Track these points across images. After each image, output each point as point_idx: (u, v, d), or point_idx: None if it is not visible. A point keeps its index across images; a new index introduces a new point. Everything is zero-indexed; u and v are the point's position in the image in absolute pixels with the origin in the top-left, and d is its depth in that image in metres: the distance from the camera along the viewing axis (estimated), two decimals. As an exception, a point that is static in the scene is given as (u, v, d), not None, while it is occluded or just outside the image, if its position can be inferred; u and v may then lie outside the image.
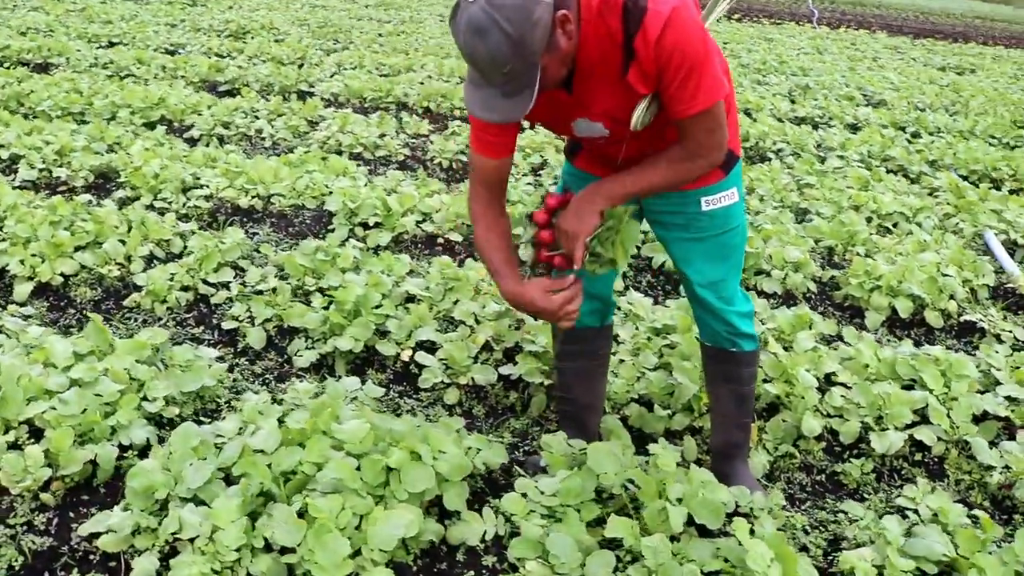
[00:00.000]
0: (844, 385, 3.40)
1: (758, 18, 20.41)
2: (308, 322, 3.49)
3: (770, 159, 7.06)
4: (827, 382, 3.46)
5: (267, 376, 3.36)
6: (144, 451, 2.72)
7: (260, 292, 3.78)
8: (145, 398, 2.86)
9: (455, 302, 3.78)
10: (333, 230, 4.66)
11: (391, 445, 2.53)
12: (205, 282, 3.90)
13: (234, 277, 3.94)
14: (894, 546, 2.43)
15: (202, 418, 3.00)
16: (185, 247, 4.20)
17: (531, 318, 2.73)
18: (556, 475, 2.56)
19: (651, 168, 2.24)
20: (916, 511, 2.82)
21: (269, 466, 2.40)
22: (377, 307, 3.59)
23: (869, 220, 5.54)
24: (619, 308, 3.86)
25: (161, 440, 2.81)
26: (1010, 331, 4.20)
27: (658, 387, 3.27)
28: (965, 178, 6.95)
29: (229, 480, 2.46)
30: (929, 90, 10.93)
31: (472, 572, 2.37)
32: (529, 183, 5.63)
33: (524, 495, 2.50)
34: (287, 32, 10.94)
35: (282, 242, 4.54)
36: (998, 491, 3.08)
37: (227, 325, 3.60)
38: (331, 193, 4.92)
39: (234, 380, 3.28)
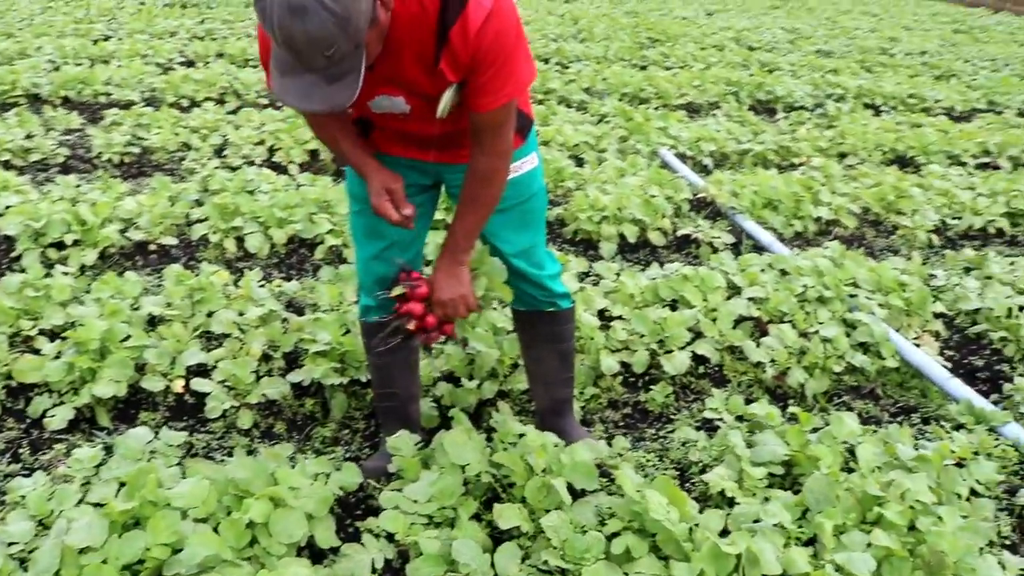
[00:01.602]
0: (620, 318, 3.55)
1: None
2: (49, 374, 2.96)
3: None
4: (601, 318, 3.59)
5: (17, 451, 2.81)
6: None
7: (-33, 350, 3.13)
8: None
9: (209, 314, 3.40)
10: (19, 257, 3.97)
11: (238, 497, 2.23)
12: None
13: (-77, 339, 3.22)
14: (744, 458, 2.59)
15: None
16: None
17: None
18: (419, 478, 2.42)
19: (467, 214, 2.24)
20: (722, 420, 3.04)
21: (105, 563, 2.02)
22: (125, 339, 3.13)
23: (559, 152, 5.79)
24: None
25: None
26: (719, 237, 4.63)
27: (458, 360, 3.20)
28: (619, 101, 7.49)
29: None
30: (553, 21, 11.59)
31: (377, 608, 2.18)
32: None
33: (397, 507, 2.33)
34: None
35: (-40, 284, 3.78)
36: (772, 383, 3.41)
37: (-61, 400, 2.95)
38: (3, 214, 4.18)
39: (-22, 465, 2.71)
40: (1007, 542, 2.61)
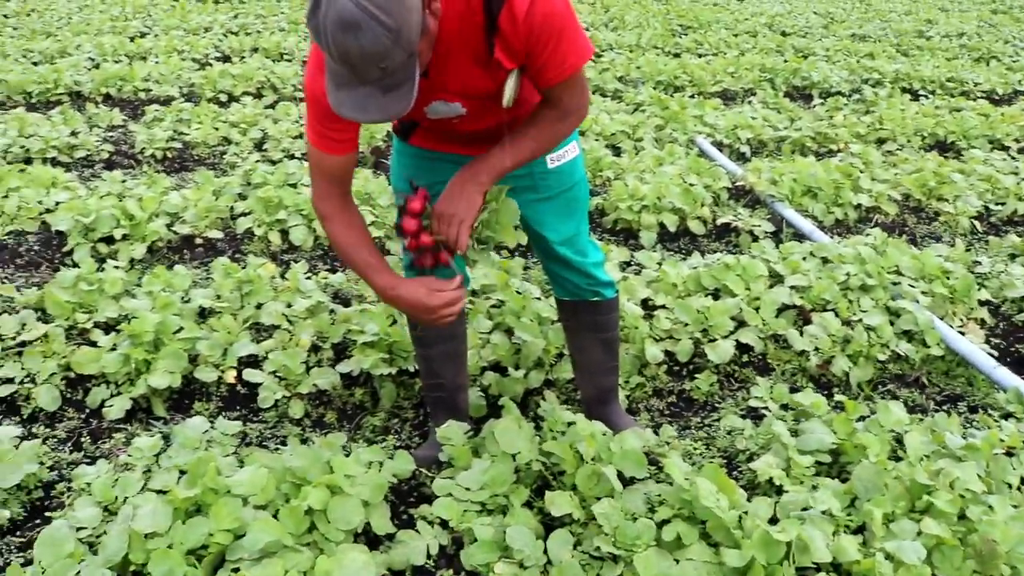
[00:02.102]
0: (664, 307, 3.57)
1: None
2: (106, 365, 3.03)
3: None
4: (644, 307, 3.61)
5: (78, 439, 2.89)
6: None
7: (27, 343, 3.21)
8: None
9: (258, 306, 3.46)
10: (71, 252, 4.06)
11: (295, 484, 2.28)
12: (-55, 346, 3.25)
13: (-17, 332, 3.31)
14: (791, 447, 2.61)
15: (42, 515, 2.52)
16: (-103, 309, 3.47)
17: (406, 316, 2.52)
18: (470, 466, 2.46)
19: (526, 137, 2.15)
20: (767, 408, 3.06)
21: (171, 547, 2.08)
22: (177, 331, 3.20)
23: (597, 142, 5.79)
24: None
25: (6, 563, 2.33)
26: (759, 225, 4.62)
27: (504, 350, 3.24)
28: (654, 89, 7.48)
29: (125, 579, 2.10)
30: (584, 9, 11.57)
31: (434, 593, 2.23)
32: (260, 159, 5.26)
33: (450, 495, 2.37)
34: None
35: (16, 277, 3.88)
36: (816, 371, 3.42)
37: (1, 391, 3.02)
38: (53, 210, 4.27)
39: (44, 454, 2.78)
40: (1058, 529, 2.60)
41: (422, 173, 2.35)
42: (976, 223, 5.04)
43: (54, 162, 5.25)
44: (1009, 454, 2.80)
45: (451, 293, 2.13)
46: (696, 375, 3.31)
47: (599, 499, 2.31)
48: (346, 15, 1.60)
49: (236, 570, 2.05)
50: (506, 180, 2.40)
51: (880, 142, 6.47)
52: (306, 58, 8.11)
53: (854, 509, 2.41)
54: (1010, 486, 2.60)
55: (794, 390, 3.26)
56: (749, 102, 7.34)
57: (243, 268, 3.69)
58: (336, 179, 2.16)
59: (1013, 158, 6.16)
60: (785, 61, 8.73)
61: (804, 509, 2.37)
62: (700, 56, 9.09)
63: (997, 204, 5.25)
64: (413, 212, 2.14)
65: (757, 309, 3.57)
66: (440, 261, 2.19)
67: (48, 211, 4.31)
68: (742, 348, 3.47)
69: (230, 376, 3.13)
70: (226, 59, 8.23)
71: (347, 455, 2.55)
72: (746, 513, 2.29)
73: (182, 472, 2.40)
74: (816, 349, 3.44)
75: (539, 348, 3.17)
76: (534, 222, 2.48)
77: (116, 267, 3.73)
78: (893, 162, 5.81)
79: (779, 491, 2.52)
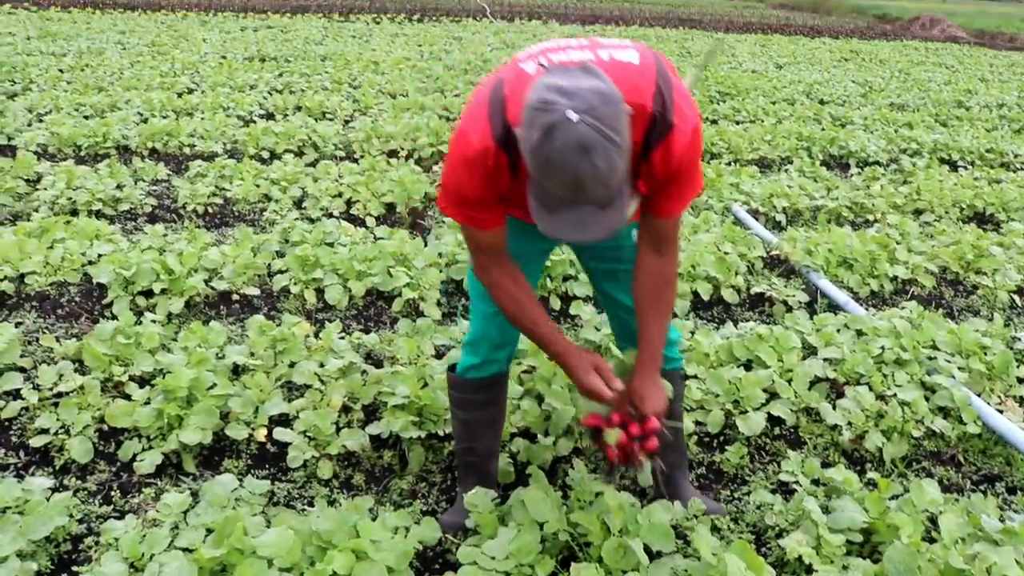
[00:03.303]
0: (695, 377, 3.55)
1: (436, 17, 20.78)
2: (139, 419, 3.07)
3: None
4: (675, 376, 3.58)
5: (108, 492, 2.91)
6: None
7: (63, 394, 3.26)
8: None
9: (291, 365, 3.50)
10: (111, 304, 4.14)
11: (321, 548, 2.28)
12: (-16, 395, 3.31)
13: (23, 382, 3.36)
14: (822, 524, 2.57)
15: (68, 569, 2.53)
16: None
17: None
18: (496, 534, 2.44)
19: (656, 305, 2.32)
20: (798, 483, 3.01)
21: (195, 607, 2.08)
22: (211, 387, 3.23)
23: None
24: (458, 342, 3.78)
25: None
26: (793, 295, 4.60)
27: (534, 416, 3.23)
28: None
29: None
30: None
31: (456, 665, 2.20)
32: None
33: (475, 563, 2.35)
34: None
35: (57, 328, 3.95)
36: (849, 446, 3.37)
37: (36, 442, 3.06)
38: (95, 262, 4.36)
39: (74, 507, 2.81)
40: (1098, 620, 2.52)
41: (511, 240, 2.33)
42: (1016, 297, 4.98)
43: (99, 215, 5.37)
44: (1048, 539, 2.73)
45: (604, 390, 2.28)
46: (727, 447, 3.28)
47: (625, 572, 2.29)
48: (584, 139, 1.65)
49: (258, 635, 2.04)
50: (596, 252, 2.51)
51: (917, 213, 6.44)
52: (348, 117, 8.29)
53: (887, 592, 2.36)
54: (1049, 573, 2.53)
55: (826, 465, 3.21)
56: (786, 170, 7.36)
57: (278, 326, 3.73)
58: (492, 251, 2.24)
59: (1053, 232, 6.08)
60: (823, 129, 8.76)
61: (835, 590, 2.33)
62: (738, 123, 9.14)
63: (1037, 278, 5.18)
64: (632, 433, 2.37)
65: (790, 381, 3.54)
66: (648, 449, 2.40)
67: (91, 263, 4.40)
68: (773, 420, 3.44)
69: (261, 434, 3.15)
70: (270, 116, 8.41)
71: (374, 519, 2.54)
72: (775, 593, 2.25)
73: (209, 530, 2.42)
74: (849, 423, 3.39)
75: (569, 415, 3.16)
76: (616, 290, 2.55)
77: (153, 321, 3.79)
78: (930, 233, 5.78)
79: (809, 570, 2.47)
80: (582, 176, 1.69)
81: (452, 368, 2.75)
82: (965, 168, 7.97)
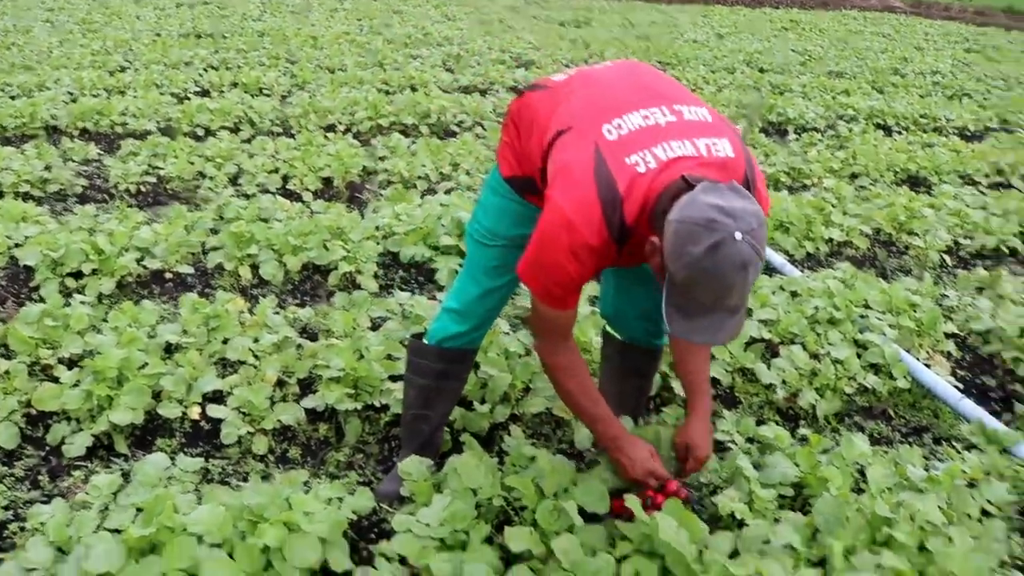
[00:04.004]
0: (632, 341, 3.57)
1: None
2: (67, 402, 3.00)
3: (456, 133, 7.18)
4: (613, 342, 3.60)
5: (36, 477, 2.85)
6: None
7: (-12, 379, 3.18)
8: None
9: (224, 341, 3.45)
10: (38, 287, 4.03)
11: (253, 522, 2.26)
12: (-94, 382, 3.22)
13: (-55, 368, 3.27)
14: (754, 480, 2.60)
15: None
16: None
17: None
18: (431, 502, 2.44)
19: (705, 355, 2.48)
20: (734, 442, 3.05)
21: (123, 587, 2.05)
22: (142, 367, 3.17)
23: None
24: (395, 314, 3.76)
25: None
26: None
27: (470, 384, 3.22)
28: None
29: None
30: (564, 45, 11.68)
31: (390, 632, 2.20)
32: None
33: (410, 531, 2.35)
34: None
35: (-19, 313, 3.85)
36: (783, 404, 3.42)
37: (-39, 428, 2.99)
38: (23, 244, 4.25)
39: (0, 493, 2.74)
40: (1019, 562, 2.60)
41: (523, 223, 2.33)
42: (945, 257, 5.09)
43: (26, 196, 5.22)
44: (971, 485, 2.81)
45: (657, 470, 2.36)
46: (663, 408, 3.30)
47: (559, 534, 2.30)
48: (746, 256, 1.75)
49: (188, 610, 2.02)
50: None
51: (853, 177, 6.54)
52: (285, 93, 8.14)
53: (815, 542, 2.41)
54: (971, 517, 2.61)
55: (761, 423, 3.26)
56: (744, 131, 7.39)
57: (211, 303, 3.68)
58: (566, 327, 2.28)
59: (983, 193, 6.23)
60: (762, 96, 8.83)
61: (765, 543, 2.37)
62: (677, 92, 9.17)
63: (966, 238, 5.31)
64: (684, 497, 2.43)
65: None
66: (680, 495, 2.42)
67: (17, 245, 4.28)
68: (710, 386, 3.47)
69: (194, 412, 3.11)
70: (205, 93, 8.25)
71: (308, 492, 2.52)
72: (706, 547, 2.28)
73: (139, 510, 2.37)
74: (783, 382, 3.45)
75: (506, 383, 3.16)
76: (632, 273, 2.53)
77: (83, 302, 3.71)
78: (865, 196, 5.87)
79: (741, 525, 2.51)
80: (734, 289, 1.79)
81: (419, 336, 2.74)
82: (899, 133, 8.10)
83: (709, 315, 1.86)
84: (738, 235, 1.74)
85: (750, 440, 3.05)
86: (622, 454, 2.36)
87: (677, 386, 3.32)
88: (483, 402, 3.16)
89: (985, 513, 2.74)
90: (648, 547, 2.27)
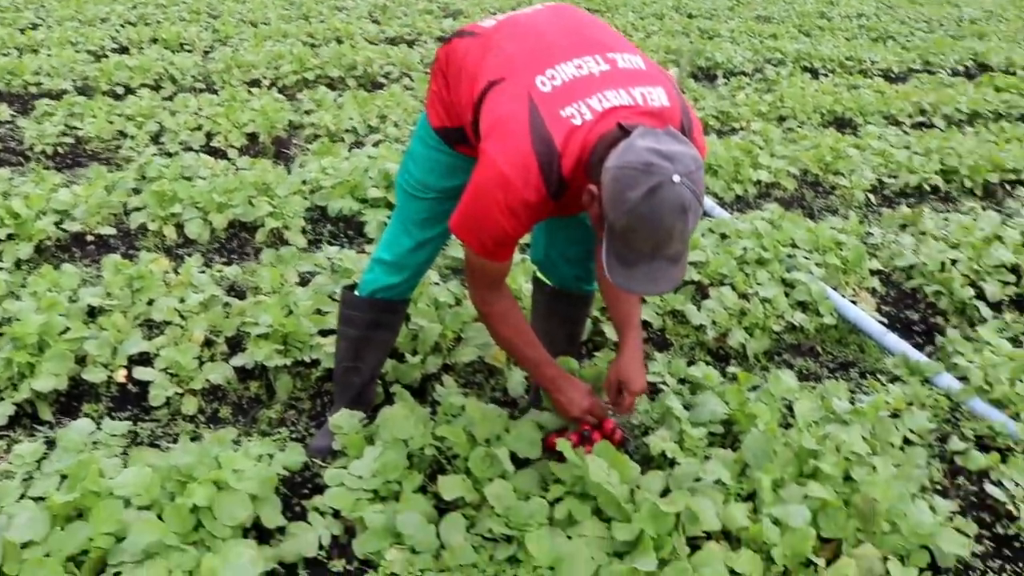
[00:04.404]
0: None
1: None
2: (-14, 370, 2.92)
3: (384, 84, 7.07)
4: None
5: (-43, 448, 2.77)
6: None
7: (-99, 350, 3.06)
8: None
9: (149, 302, 3.37)
10: (-48, 254, 3.89)
11: (181, 482, 2.22)
12: None
13: None
14: (684, 420, 2.64)
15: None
16: None
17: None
18: (363, 454, 2.43)
19: (637, 306, 2.49)
20: (665, 383, 3.09)
21: (48, 556, 2.01)
22: (64, 332, 3.09)
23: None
24: (324, 268, 3.71)
25: None
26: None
27: (401, 336, 3.19)
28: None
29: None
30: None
31: (327, 584, 2.20)
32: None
33: (342, 484, 2.34)
34: None
35: None
36: (714, 344, 3.47)
37: None
38: (-67, 211, 4.08)
39: (-82, 465, 2.66)
40: (938, 487, 2.69)
41: (455, 175, 2.30)
42: (871, 196, 5.18)
43: (-65, 161, 5.02)
44: (894, 416, 2.89)
45: (595, 408, 2.41)
46: (595, 353, 3.32)
47: (492, 480, 2.31)
48: (685, 199, 1.73)
49: (118, 574, 1.99)
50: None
51: (781, 120, 6.61)
52: (207, 48, 7.92)
53: (745, 477, 2.46)
54: (893, 446, 2.69)
55: (692, 364, 3.30)
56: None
57: (135, 264, 3.58)
58: (500, 278, 2.26)
59: (906, 133, 6.35)
60: (691, 43, 8.84)
61: (696, 480, 2.41)
62: (607, 39, 9.13)
63: (890, 177, 5.41)
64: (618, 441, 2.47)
65: (656, 286, 3.60)
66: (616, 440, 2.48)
67: (-73, 212, 4.12)
68: (641, 324, 3.50)
69: (120, 375, 3.04)
70: (123, 50, 7.97)
71: (238, 450, 2.49)
72: (638, 487, 2.32)
73: (64, 477, 2.32)
74: (713, 323, 3.49)
75: (436, 333, 3.14)
76: (562, 219, 2.49)
77: (1, 268, 3.59)
78: (793, 139, 5.93)
79: (673, 464, 2.55)
80: (673, 234, 1.77)
81: (351, 288, 2.71)
82: (826, 76, 8.20)
83: (649, 263, 1.84)
84: (676, 178, 1.72)
85: (682, 381, 3.08)
86: (561, 394, 2.37)
87: (609, 330, 3.35)
88: (415, 353, 3.15)
89: (907, 442, 2.83)
90: (581, 489, 2.30)
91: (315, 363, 3.08)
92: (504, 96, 1.99)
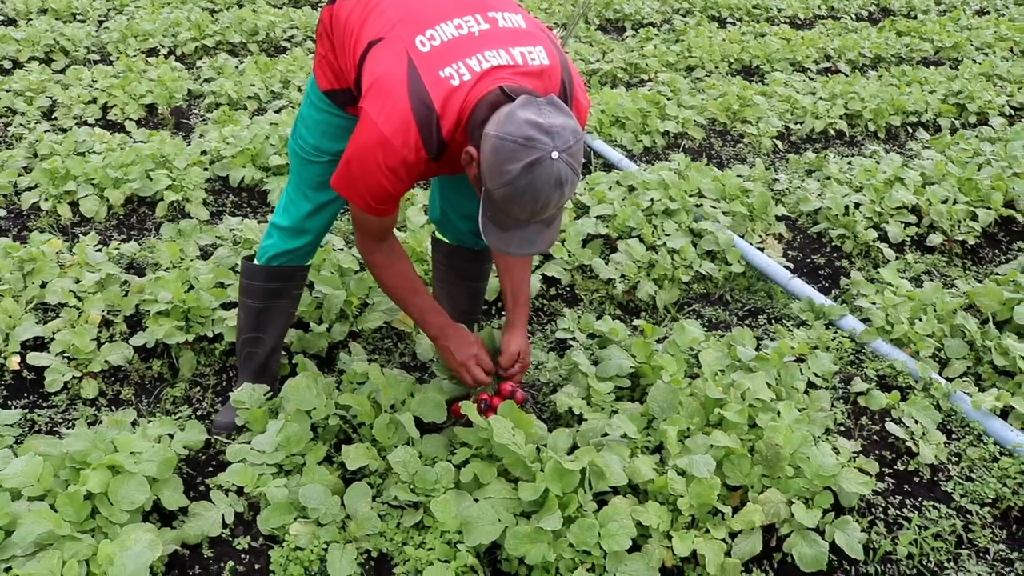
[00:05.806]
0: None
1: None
2: None
3: (287, 49, 6.89)
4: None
5: None
6: None
7: None
8: None
9: (42, 285, 3.24)
10: None
11: (76, 469, 2.15)
12: None
13: None
14: (591, 375, 2.65)
15: None
16: None
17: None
18: (266, 428, 2.38)
19: (526, 268, 2.49)
20: (575, 339, 3.09)
21: (-66, 552, 1.93)
22: (-51, 320, 2.96)
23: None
24: (225, 240, 3.62)
25: None
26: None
27: (305, 304, 3.13)
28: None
29: None
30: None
31: (232, 562, 2.15)
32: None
33: (244, 460, 2.29)
34: None
35: None
36: (623, 298, 3.49)
37: None
38: None
39: None
40: (842, 428, 2.76)
41: (347, 136, 2.18)
42: (778, 143, 5.24)
43: None
44: (799, 360, 2.94)
45: (481, 356, 2.41)
46: (504, 312, 3.31)
47: (397, 447, 2.29)
48: (562, 175, 1.77)
49: (8, 568, 1.92)
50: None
51: (689, 70, 6.63)
52: (101, 17, 7.60)
53: (652, 430, 2.48)
54: (798, 390, 2.73)
55: (601, 319, 3.31)
56: (561, 37, 7.36)
57: (25, 246, 3.44)
58: (387, 229, 2.25)
59: (811, 79, 6.43)
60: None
61: (604, 435, 2.42)
62: (517, -6, 9.03)
63: (796, 123, 5.48)
64: (520, 399, 2.46)
65: (563, 241, 3.60)
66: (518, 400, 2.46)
67: None
68: (549, 281, 3.51)
69: (13, 362, 2.92)
70: (10, 22, 7.60)
71: (136, 432, 2.42)
72: (544, 446, 2.32)
73: (-50, 471, 2.23)
74: (622, 276, 3.50)
75: (341, 300, 3.09)
76: (455, 177, 2.45)
77: None
78: (700, 89, 5.96)
79: (581, 420, 2.56)
80: (550, 203, 1.80)
81: (250, 258, 2.65)
82: (733, 24, 8.24)
83: (524, 228, 1.89)
84: (555, 154, 1.74)
85: (591, 336, 3.09)
86: (448, 341, 2.37)
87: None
88: (320, 322, 3.09)
89: (812, 385, 2.89)
90: (487, 451, 2.29)
91: (218, 338, 3.01)
92: (383, 56, 1.96)
